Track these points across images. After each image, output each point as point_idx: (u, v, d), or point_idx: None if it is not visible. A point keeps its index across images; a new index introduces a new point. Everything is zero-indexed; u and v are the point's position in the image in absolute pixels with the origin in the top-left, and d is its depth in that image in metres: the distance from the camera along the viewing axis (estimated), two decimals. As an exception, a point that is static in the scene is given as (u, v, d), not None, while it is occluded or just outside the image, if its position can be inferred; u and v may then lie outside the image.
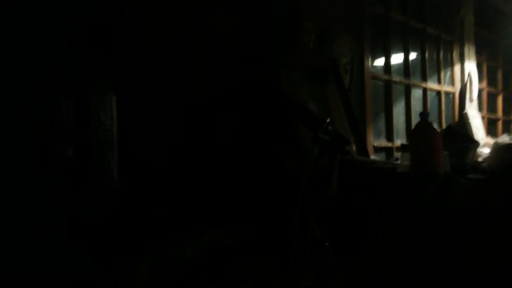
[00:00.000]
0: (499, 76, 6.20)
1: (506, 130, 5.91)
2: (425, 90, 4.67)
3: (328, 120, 2.06)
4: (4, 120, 2.01)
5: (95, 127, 2.24)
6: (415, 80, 4.52)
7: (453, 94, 5.11)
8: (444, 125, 4.90)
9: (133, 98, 2.37)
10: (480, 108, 5.50)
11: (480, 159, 3.02)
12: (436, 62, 4.91)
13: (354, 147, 3.24)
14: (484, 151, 3.30)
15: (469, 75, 5.16)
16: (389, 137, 4.09)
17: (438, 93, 4.90)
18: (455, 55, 5.11)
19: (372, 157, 3.37)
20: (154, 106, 2.43)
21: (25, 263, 1.94)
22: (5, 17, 2.00)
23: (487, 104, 5.85)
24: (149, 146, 2.40)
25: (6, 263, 1.89)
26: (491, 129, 5.73)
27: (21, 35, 2.05)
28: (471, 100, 5.18)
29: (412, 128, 4.17)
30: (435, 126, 2.26)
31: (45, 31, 2.11)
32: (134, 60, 2.37)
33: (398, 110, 4.31)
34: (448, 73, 5.10)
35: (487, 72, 5.86)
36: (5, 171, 1.99)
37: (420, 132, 2.17)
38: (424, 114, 2.11)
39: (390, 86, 4.14)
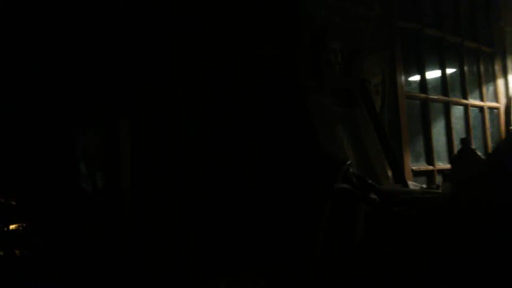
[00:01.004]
0: (548, 87, 5.78)
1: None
2: (466, 107, 4.37)
3: (348, 163, 1.86)
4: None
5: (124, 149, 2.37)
6: (454, 96, 4.24)
7: (498, 109, 4.77)
8: (489, 143, 4.56)
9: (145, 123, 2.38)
10: (529, 123, 5.11)
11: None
12: (477, 77, 4.60)
13: (389, 173, 3.01)
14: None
15: (514, 88, 4.81)
16: (429, 159, 3.81)
17: (481, 109, 4.57)
18: (497, 68, 4.78)
19: (411, 182, 3.12)
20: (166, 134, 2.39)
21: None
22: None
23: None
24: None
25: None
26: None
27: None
28: (518, 114, 4.82)
29: (454, 151, 3.92)
30: (478, 151, 2.02)
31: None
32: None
33: (438, 129, 4.03)
34: (491, 88, 4.77)
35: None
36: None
37: (462, 160, 1.94)
38: (465, 140, 1.89)
39: (427, 104, 3.89)
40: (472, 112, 4.43)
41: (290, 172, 2.24)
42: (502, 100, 4.79)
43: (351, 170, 1.90)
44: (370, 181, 1.99)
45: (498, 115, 4.77)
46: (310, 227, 1.80)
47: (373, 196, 1.92)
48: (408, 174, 3.39)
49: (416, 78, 3.93)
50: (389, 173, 3.01)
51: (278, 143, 2.52)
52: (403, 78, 3.56)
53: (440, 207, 1.95)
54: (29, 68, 2.21)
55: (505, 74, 4.80)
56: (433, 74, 4.12)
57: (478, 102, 4.52)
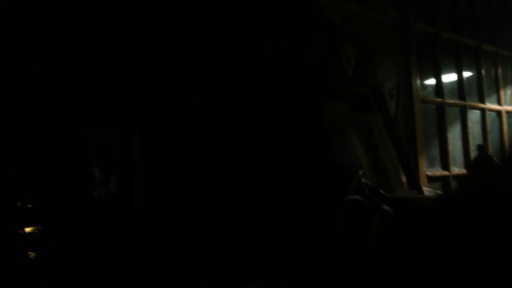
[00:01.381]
0: None
1: None
2: (483, 111, 4.29)
3: (361, 173, 1.83)
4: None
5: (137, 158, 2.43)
6: (471, 101, 4.17)
7: (516, 113, 4.68)
8: (506, 147, 4.47)
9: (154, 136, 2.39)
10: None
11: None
12: (494, 81, 4.52)
13: (404, 179, 2.97)
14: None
15: (533, 92, 4.71)
16: (445, 165, 3.75)
17: (499, 113, 4.49)
18: (516, 72, 4.69)
19: (425, 188, 3.06)
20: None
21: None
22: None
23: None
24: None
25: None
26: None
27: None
28: (537, 119, 4.71)
29: (470, 156, 3.86)
30: (494, 156, 1.98)
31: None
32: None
33: (454, 134, 3.97)
34: (509, 92, 4.68)
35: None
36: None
37: (478, 167, 1.90)
38: (481, 147, 1.85)
39: (443, 109, 3.83)
40: (489, 116, 4.35)
41: (299, 176, 2.22)
42: (521, 104, 4.70)
43: (363, 180, 1.87)
44: (382, 192, 1.96)
45: (516, 119, 4.68)
46: (322, 236, 1.78)
47: (385, 207, 1.88)
48: (423, 180, 3.34)
49: (431, 82, 3.87)
50: (404, 179, 2.97)
51: (289, 148, 2.50)
52: (418, 82, 3.51)
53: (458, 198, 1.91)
54: (44, 74, 2.25)
55: (523, 78, 4.71)
56: (449, 77, 4.06)
57: (495, 106, 4.44)
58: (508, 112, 4.58)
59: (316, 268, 1.79)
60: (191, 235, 2.34)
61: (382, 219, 1.86)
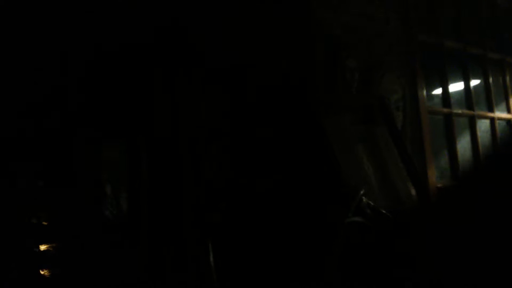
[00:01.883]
0: None
1: None
2: (492, 120, 4.21)
3: (362, 192, 1.78)
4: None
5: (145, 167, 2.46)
6: (479, 110, 4.10)
7: (527, 121, 4.59)
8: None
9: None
10: (560, 135, 4.89)
11: None
12: (502, 89, 4.45)
13: (413, 191, 2.90)
14: None
15: (543, 99, 4.63)
16: (455, 176, 3.67)
17: (509, 122, 4.41)
18: (524, 79, 4.62)
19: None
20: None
21: None
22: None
23: None
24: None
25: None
26: None
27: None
28: (548, 127, 4.62)
29: (481, 169, 3.77)
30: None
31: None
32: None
33: (463, 145, 3.89)
34: (518, 99, 4.61)
35: None
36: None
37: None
38: (490, 157, 1.79)
39: (451, 119, 3.77)
40: (499, 125, 4.27)
41: (304, 185, 2.18)
42: (531, 111, 4.61)
43: (364, 200, 1.82)
44: (384, 212, 1.90)
45: (526, 127, 4.59)
46: (323, 248, 1.73)
47: (386, 227, 1.82)
48: (433, 192, 3.27)
49: (438, 92, 3.82)
50: (413, 192, 2.90)
51: (293, 159, 2.47)
52: (424, 93, 3.46)
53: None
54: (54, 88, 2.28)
55: (532, 85, 4.63)
56: (456, 87, 4.00)
57: (505, 115, 4.36)
58: (518, 120, 4.50)
59: (317, 276, 1.74)
60: (195, 244, 2.32)
61: (382, 237, 1.81)
